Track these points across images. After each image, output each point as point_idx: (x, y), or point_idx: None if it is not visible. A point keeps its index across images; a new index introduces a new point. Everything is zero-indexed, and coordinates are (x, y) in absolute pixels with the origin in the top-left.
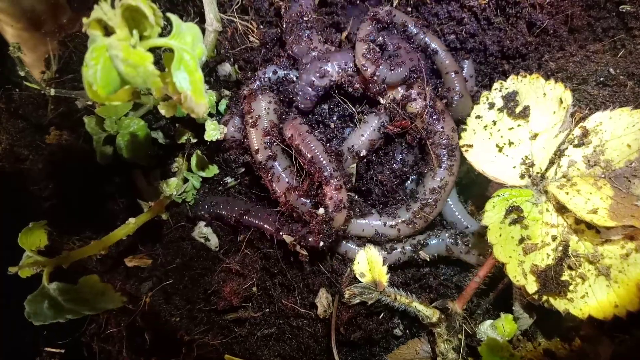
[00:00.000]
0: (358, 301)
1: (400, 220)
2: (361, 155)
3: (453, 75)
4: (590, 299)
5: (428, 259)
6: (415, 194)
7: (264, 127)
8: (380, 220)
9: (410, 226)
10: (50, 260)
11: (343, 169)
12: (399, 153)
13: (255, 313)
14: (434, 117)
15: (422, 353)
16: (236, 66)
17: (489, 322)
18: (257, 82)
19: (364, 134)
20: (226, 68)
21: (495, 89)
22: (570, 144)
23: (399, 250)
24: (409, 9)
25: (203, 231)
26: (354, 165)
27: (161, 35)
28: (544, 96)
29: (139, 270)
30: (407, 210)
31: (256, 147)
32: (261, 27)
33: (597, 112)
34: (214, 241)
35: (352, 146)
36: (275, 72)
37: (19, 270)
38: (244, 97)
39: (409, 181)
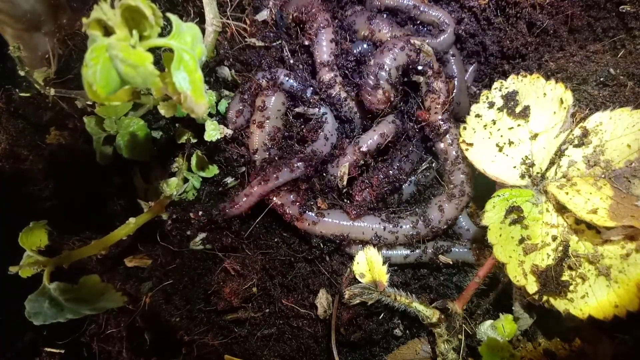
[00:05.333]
0: (358, 301)
1: (401, 232)
2: (362, 149)
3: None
4: (590, 299)
5: (451, 262)
6: (428, 217)
7: (269, 131)
8: (380, 224)
9: (407, 240)
10: (51, 260)
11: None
12: (397, 160)
13: (255, 313)
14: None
15: (422, 353)
16: (233, 71)
17: (489, 322)
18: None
19: (376, 130)
20: (225, 70)
21: (495, 88)
22: (571, 144)
23: (420, 249)
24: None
25: (198, 240)
26: (346, 164)
27: (161, 35)
28: (544, 96)
29: (139, 270)
30: (412, 227)
31: (255, 147)
32: (258, 25)
33: (597, 112)
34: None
35: (357, 142)
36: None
37: (20, 270)
38: (260, 88)
39: (405, 184)
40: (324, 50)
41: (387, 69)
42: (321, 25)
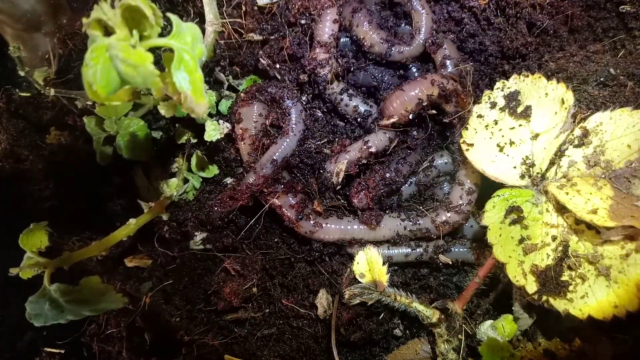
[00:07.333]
0: (358, 302)
1: (396, 221)
2: (371, 150)
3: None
4: (590, 299)
5: (450, 262)
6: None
7: (252, 142)
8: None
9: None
10: (52, 261)
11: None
12: (394, 163)
13: (255, 313)
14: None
15: (422, 353)
16: (231, 77)
17: (489, 322)
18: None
19: (386, 133)
20: (221, 77)
21: (498, 89)
22: (571, 144)
23: (422, 248)
24: None
25: (198, 240)
26: (345, 161)
27: (161, 35)
28: (546, 96)
29: (139, 270)
30: (413, 224)
31: (246, 159)
32: (257, 16)
33: (598, 113)
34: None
35: (367, 141)
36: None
37: (20, 271)
38: (238, 100)
39: (405, 185)
40: (326, 30)
41: (415, 100)
42: (325, 5)
